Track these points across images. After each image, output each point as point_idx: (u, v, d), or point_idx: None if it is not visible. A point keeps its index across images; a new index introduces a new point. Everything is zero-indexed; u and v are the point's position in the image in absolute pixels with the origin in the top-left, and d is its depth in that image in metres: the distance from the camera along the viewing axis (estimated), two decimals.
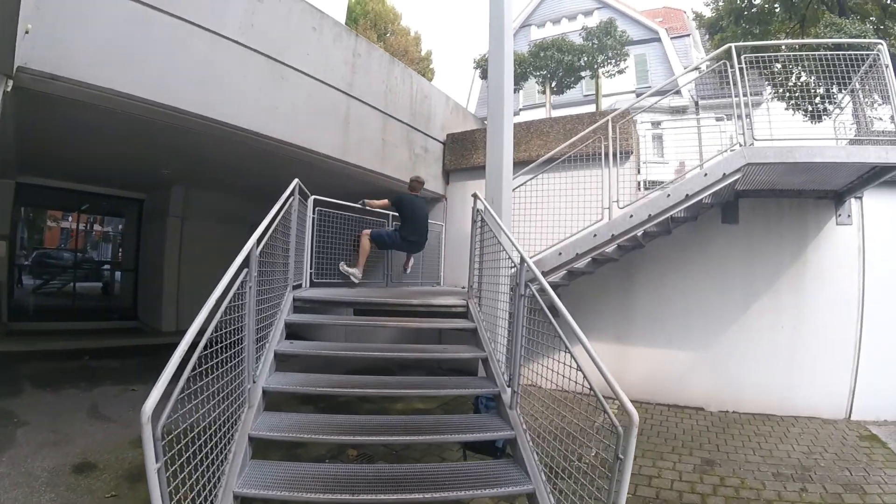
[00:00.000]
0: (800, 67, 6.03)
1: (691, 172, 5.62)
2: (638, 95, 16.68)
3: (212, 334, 2.45)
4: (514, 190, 6.16)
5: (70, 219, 11.27)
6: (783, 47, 7.94)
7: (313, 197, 5.68)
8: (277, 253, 4.08)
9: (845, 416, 6.11)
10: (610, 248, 5.87)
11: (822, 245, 6.42)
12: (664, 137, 7.98)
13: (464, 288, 5.73)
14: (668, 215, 5.46)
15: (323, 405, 5.62)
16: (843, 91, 5.88)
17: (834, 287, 6.30)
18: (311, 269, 5.76)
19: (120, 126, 5.04)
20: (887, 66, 4.88)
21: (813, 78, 6.35)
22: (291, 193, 4.61)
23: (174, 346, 2.08)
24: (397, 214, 6.51)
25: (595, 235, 5.70)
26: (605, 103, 16.70)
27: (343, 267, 6.16)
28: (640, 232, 5.69)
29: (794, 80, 6.81)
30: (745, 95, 5.18)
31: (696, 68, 6.39)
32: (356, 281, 6.17)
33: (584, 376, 2.72)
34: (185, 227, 9.85)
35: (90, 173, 8.49)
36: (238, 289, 2.84)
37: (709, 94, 8.45)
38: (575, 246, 5.79)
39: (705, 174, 5.26)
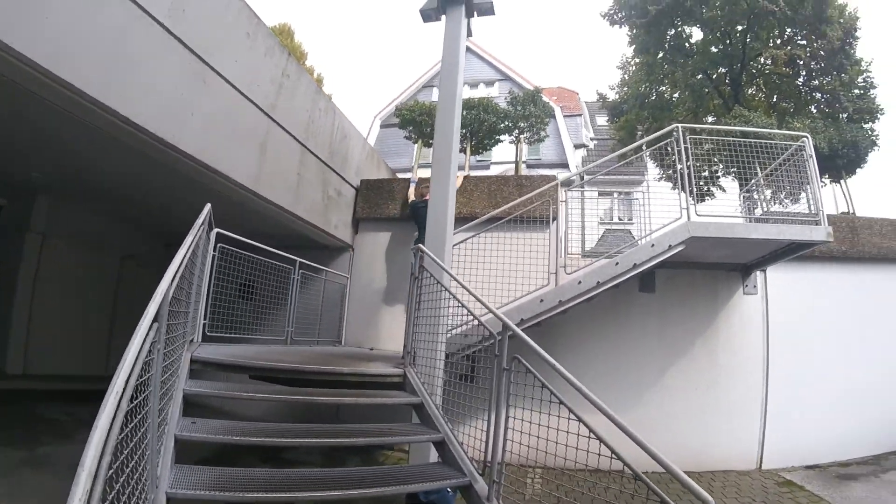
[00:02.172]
0: (721, 153, 6.75)
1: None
2: (529, 167, 18.11)
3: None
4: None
5: None
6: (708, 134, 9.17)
7: (217, 230, 5.15)
8: (181, 299, 3.43)
9: (757, 466, 7.12)
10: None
11: (731, 312, 7.54)
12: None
13: (395, 352, 5.53)
14: (615, 283, 5.83)
15: None
16: (759, 174, 6.74)
17: (742, 350, 7.43)
18: (205, 319, 5.14)
19: None
20: (811, 157, 5.72)
21: (722, 165, 7.26)
22: (203, 223, 4.07)
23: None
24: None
25: (542, 301, 5.95)
26: (494, 170, 17.89)
27: None
28: (585, 298, 5.94)
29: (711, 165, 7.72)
30: (688, 171, 5.67)
31: (640, 145, 7.09)
32: None
33: (613, 452, 2.73)
34: (46, 247, 8.31)
35: None
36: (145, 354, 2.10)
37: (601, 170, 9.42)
38: (520, 311, 5.94)
39: (652, 245, 5.85)
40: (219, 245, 5.35)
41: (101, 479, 1.50)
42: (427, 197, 6.98)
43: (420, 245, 4.96)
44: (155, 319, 2.26)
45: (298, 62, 6.82)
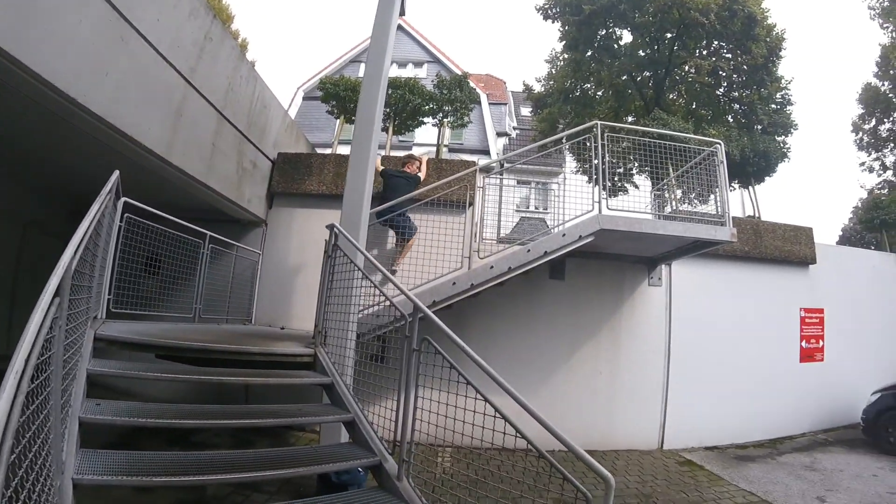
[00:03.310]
0: (637, 152, 7.34)
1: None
2: (451, 151, 18.60)
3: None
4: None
5: None
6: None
7: (124, 199, 5.09)
8: (85, 273, 3.38)
9: (658, 446, 8.02)
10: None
11: (636, 302, 8.36)
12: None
13: (307, 331, 5.65)
14: (527, 269, 6.28)
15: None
16: (671, 174, 7.37)
17: (646, 337, 8.30)
18: (109, 294, 5.06)
19: None
20: (722, 163, 6.35)
21: (637, 163, 7.93)
22: (110, 191, 4.03)
23: None
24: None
25: (454, 283, 6.24)
26: (416, 152, 18.23)
27: None
28: (496, 282, 6.33)
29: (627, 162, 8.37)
30: (603, 166, 6.18)
31: (561, 138, 7.61)
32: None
33: (518, 431, 2.93)
34: None
35: None
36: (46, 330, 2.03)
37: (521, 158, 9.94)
38: (433, 293, 6.21)
39: (563, 234, 6.32)
40: (126, 215, 5.25)
41: (3, 464, 1.48)
42: (409, 170, 7.14)
43: (334, 224, 5.05)
44: (56, 294, 2.19)
45: (223, 25, 6.73)
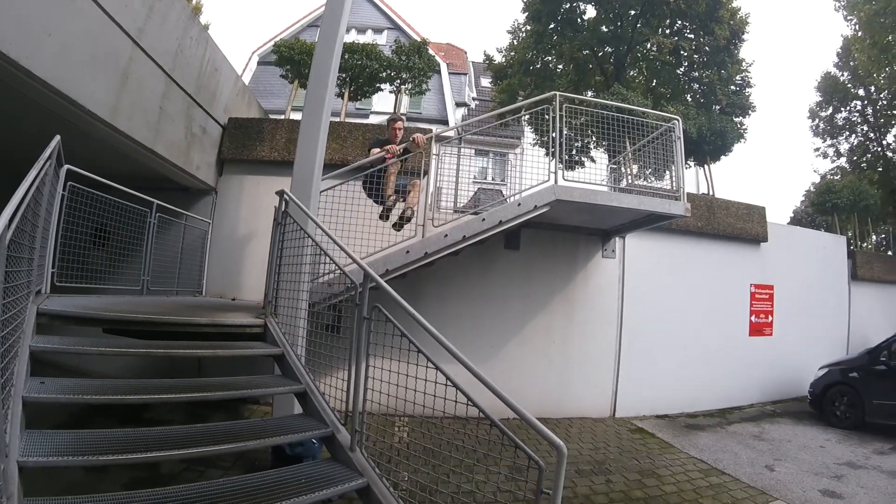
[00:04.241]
0: (595, 126, 7.55)
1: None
2: (409, 119, 18.71)
3: None
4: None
5: None
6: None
7: (67, 167, 4.98)
8: (24, 243, 3.28)
9: (610, 414, 8.49)
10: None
11: (589, 273, 8.73)
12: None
13: (258, 302, 5.66)
14: (481, 238, 6.47)
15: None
16: (628, 149, 7.63)
17: (598, 308, 8.69)
18: (53, 268, 5.00)
19: None
20: (679, 139, 6.62)
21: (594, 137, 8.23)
22: (50, 157, 3.95)
23: None
24: None
25: (408, 252, 6.32)
26: (373, 120, 18.25)
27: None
28: (451, 251, 6.48)
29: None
30: (561, 138, 6.37)
31: (520, 107, 7.66)
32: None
33: (471, 400, 3.02)
34: None
35: None
36: None
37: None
38: (386, 262, 6.27)
39: (518, 204, 6.51)
40: (69, 184, 5.16)
41: None
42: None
43: (284, 190, 5.04)
44: None
45: None
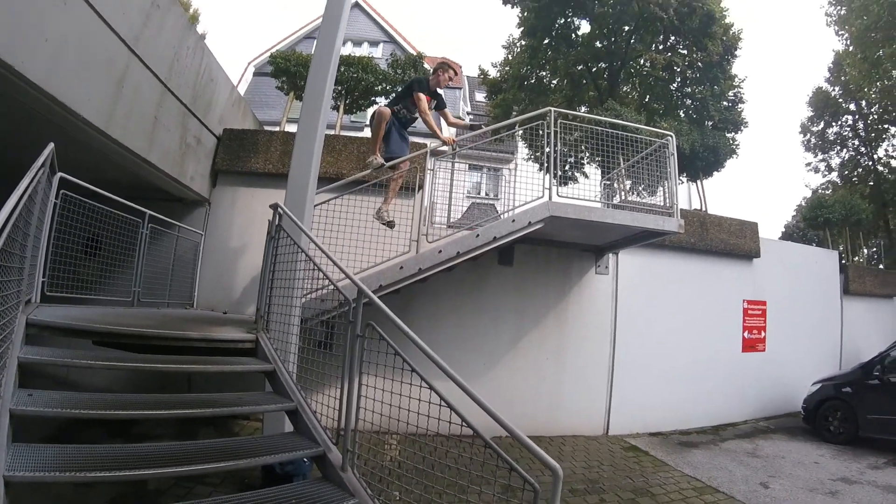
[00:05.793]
0: (589, 141, 7.58)
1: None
2: None
3: None
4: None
5: None
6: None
7: (60, 175, 4.91)
8: (14, 253, 3.25)
9: (604, 432, 8.44)
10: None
11: (582, 289, 8.74)
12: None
13: (250, 316, 5.60)
14: (475, 254, 6.45)
15: None
16: (622, 165, 7.68)
17: (592, 324, 8.69)
18: (44, 277, 4.91)
19: None
20: (672, 155, 6.64)
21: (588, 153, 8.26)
22: (43, 165, 3.93)
23: None
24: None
25: (402, 268, 6.28)
26: (368, 133, 18.28)
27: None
28: (445, 267, 6.44)
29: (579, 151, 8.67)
30: (555, 154, 6.37)
31: (515, 123, 7.71)
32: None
33: (464, 420, 2.95)
34: None
35: None
36: None
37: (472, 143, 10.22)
38: (379, 277, 6.23)
39: (513, 220, 6.53)
40: (62, 192, 5.09)
41: None
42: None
43: (278, 203, 5.01)
44: None
45: None
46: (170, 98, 6.73)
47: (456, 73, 7.16)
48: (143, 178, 6.98)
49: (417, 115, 6.80)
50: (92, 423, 5.34)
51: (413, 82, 6.91)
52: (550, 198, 6.48)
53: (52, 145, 4.21)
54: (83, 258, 5.69)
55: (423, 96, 6.67)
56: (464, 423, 2.97)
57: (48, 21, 4.43)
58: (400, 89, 7.64)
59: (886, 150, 21.81)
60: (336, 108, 11.09)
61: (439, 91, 6.97)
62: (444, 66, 6.89)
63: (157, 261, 7.12)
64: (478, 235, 6.40)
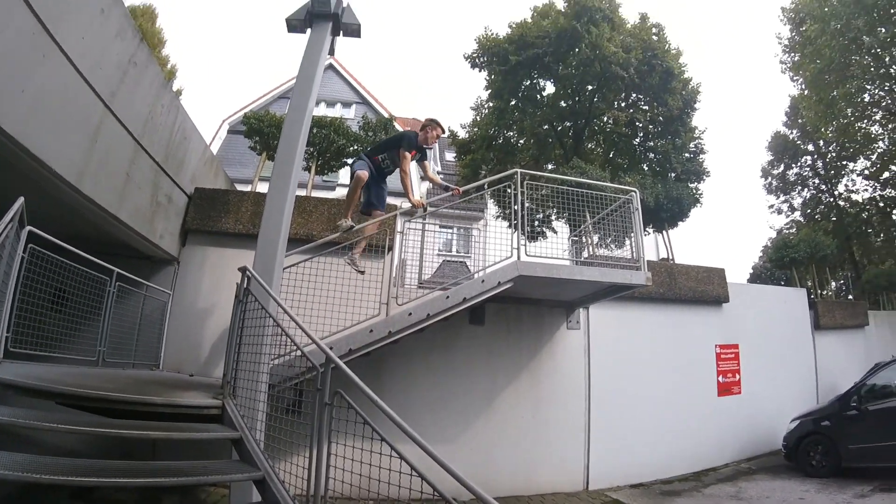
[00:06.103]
0: (556, 198, 7.77)
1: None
2: None
3: None
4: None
5: None
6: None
7: (29, 228, 4.80)
8: None
9: (584, 487, 8.29)
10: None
11: (555, 346, 8.78)
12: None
13: (217, 379, 5.44)
14: (445, 315, 6.44)
15: None
16: (588, 221, 7.88)
17: (566, 380, 8.68)
18: (7, 332, 4.73)
19: None
20: (637, 210, 6.84)
21: (555, 209, 8.50)
22: (13, 219, 3.92)
23: None
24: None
25: (371, 331, 6.22)
26: (339, 193, 18.42)
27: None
28: (415, 329, 6.38)
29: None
30: (523, 212, 6.58)
31: (483, 184, 7.95)
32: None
33: (437, 491, 2.89)
34: None
35: None
36: None
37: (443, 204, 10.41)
38: (349, 341, 6.15)
39: (482, 280, 6.59)
40: (30, 246, 4.95)
41: None
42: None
43: (246, 266, 4.94)
44: None
45: (154, 49, 6.64)
46: (143, 155, 6.72)
47: (444, 132, 7.29)
48: (113, 235, 6.88)
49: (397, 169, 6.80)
50: (55, 485, 5.16)
51: (403, 137, 6.87)
52: (519, 257, 6.57)
53: (21, 199, 4.19)
54: (49, 315, 5.53)
55: (408, 155, 6.64)
56: (435, 493, 2.92)
57: (26, 73, 4.44)
58: (388, 137, 7.70)
59: (846, 185, 22.89)
60: (308, 168, 11.22)
61: (426, 147, 6.98)
62: (434, 123, 6.92)
63: (123, 320, 6.92)
64: (448, 297, 6.40)
